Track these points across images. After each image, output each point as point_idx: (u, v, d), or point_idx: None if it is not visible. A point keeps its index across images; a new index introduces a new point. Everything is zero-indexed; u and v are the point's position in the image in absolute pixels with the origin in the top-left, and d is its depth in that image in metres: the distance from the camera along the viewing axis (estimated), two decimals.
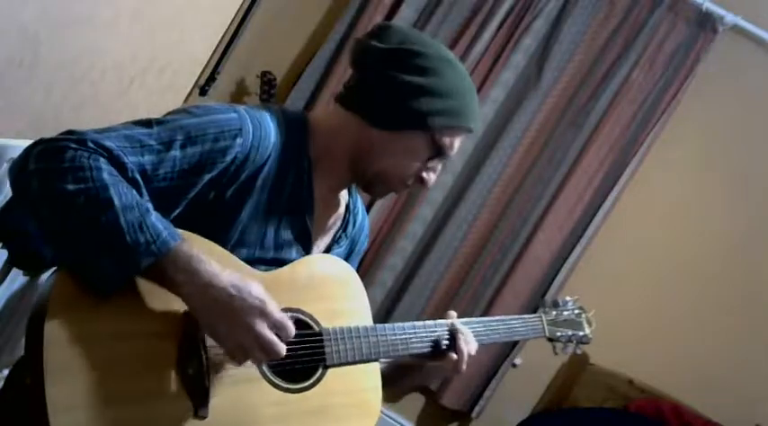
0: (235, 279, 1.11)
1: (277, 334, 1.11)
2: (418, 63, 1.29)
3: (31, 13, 1.98)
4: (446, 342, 1.44)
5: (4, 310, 2.18)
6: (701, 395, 3.15)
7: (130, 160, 1.10)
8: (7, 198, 2.06)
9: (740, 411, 3.10)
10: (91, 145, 1.07)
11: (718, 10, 3.19)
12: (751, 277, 3.23)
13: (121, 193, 1.06)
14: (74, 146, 1.07)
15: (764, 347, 3.19)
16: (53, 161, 1.06)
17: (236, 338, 1.09)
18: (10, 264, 2.11)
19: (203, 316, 1.09)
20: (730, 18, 3.18)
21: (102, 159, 1.07)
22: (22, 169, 1.07)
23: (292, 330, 1.14)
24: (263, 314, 1.10)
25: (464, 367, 1.43)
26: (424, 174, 1.37)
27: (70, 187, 1.04)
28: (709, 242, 3.28)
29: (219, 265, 1.11)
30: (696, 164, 3.33)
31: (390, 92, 1.29)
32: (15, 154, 2.01)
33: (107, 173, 1.06)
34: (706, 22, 3.21)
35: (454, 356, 1.42)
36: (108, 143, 1.09)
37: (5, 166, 2.02)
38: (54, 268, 1.13)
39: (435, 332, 1.44)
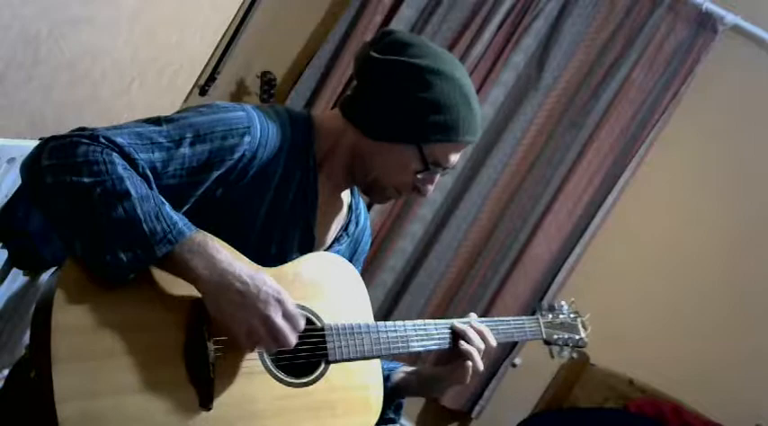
0: (249, 269, 1.13)
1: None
2: (411, 76, 1.28)
3: (31, 12, 1.98)
4: (448, 344, 1.45)
5: (4, 310, 2.18)
6: (701, 395, 3.15)
7: (141, 157, 1.12)
8: (8, 198, 2.06)
9: (740, 411, 3.10)
10: (103, 140, 1.09)
11: (718, 10, 3.19)
12: (751, 277, 3.23)
13: (137, 185, 1.08)
14: (86, 141, 1.08)
15: (765, 347, 3.19)
16: (67, 156, 1.07)
17: (248, 324, 1.10)
18: (10, 264, 2.11)
19: (217, 303, 1.10)
20: (730, 18, 3.18)
21: (114, 153, 1.09)
22: (34, 164, 1.08)
23: (303, 322, 1.16)
24: (279, 301, 1.12)
25: (480, 367, 1.43)
26: (419, 186, 1.37)
27: (86, 180, 1.05)
28: (709, 242, 3.28)
29: (233, 255, 1.13)
30: (696, 164, 3.33)
31: (382, 104, 1.30)
32: (15, 154, 2.01)
33: (121, 166, 1.08)
34: (706, 22, 3.21)
35: (468, 363, 1.42)
36: (119, 139, 1.10)
37: (5, 166, 2.02)
38: (54, 268, 1.13)
39: (436, 331, 1.44)
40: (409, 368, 1.52)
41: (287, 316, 1.13)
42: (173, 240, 1.07)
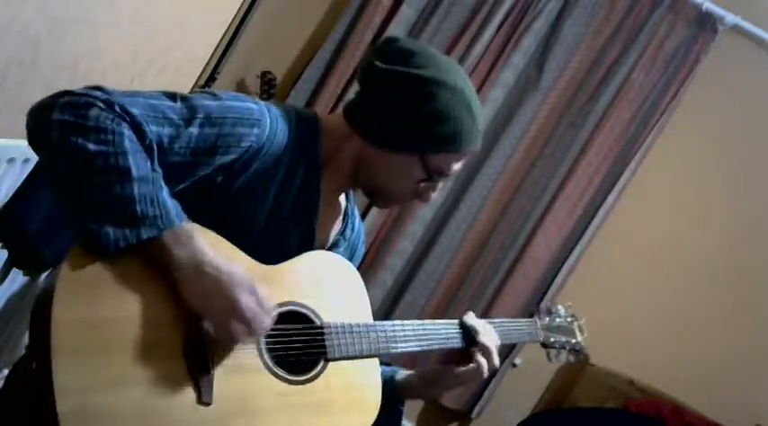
0: (228, 262, 1.13)
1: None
2: (414, 87, 1.28)
3: (31, 13, 1.98)
4: (460, 342, 1.45)
5: (4, 310, 2.18)
6: (701, 395, 3.15)
7: (151, 129, 1.12)
8: (8, 198, 2.07)
9: (740, 411, 3.11)
10: (117, 109, 1.09)
11: (718, 10, 3.19)
12: (751, 277, 3.24)
13: (139, 164, 1.08)
14: (101, 105, 1.08)
15: (765, 347, 3.19)
16: (78, 116, 1.06)
17: (222, 311, 1.10)
18: (10, 264, 2.11)
19: (191, 289, 1.10)
20: (730, 18, 3.18)
21: (125, 124, 1.09)
22: (44, 114, 1.08)
23: (272, 319, 1.16)
24: (252, 290, 1.13)
25: (497, 363, 1.45)
26: (423, 193, 1.38)
27: (91, 147, 1.05)
28: (709, 242, 3.28)
29: (215, 250, 1.13)
30: (696, 164, 3.34)
31: (386, 114, 1.30)
32: (15, 154, 2.01)
33: (128, 139, 1.08)
34: (706, 22, 3.21)
35: (480, 357, 1.43)
36: (134, 110, 1.11)
37: (5, 166, 2.02)
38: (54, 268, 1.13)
39: (437, 330, 1.44)
40: (408, 371, 1.52)
41: (260, 304, 1.13)
42: (161, 226, 1.08)
